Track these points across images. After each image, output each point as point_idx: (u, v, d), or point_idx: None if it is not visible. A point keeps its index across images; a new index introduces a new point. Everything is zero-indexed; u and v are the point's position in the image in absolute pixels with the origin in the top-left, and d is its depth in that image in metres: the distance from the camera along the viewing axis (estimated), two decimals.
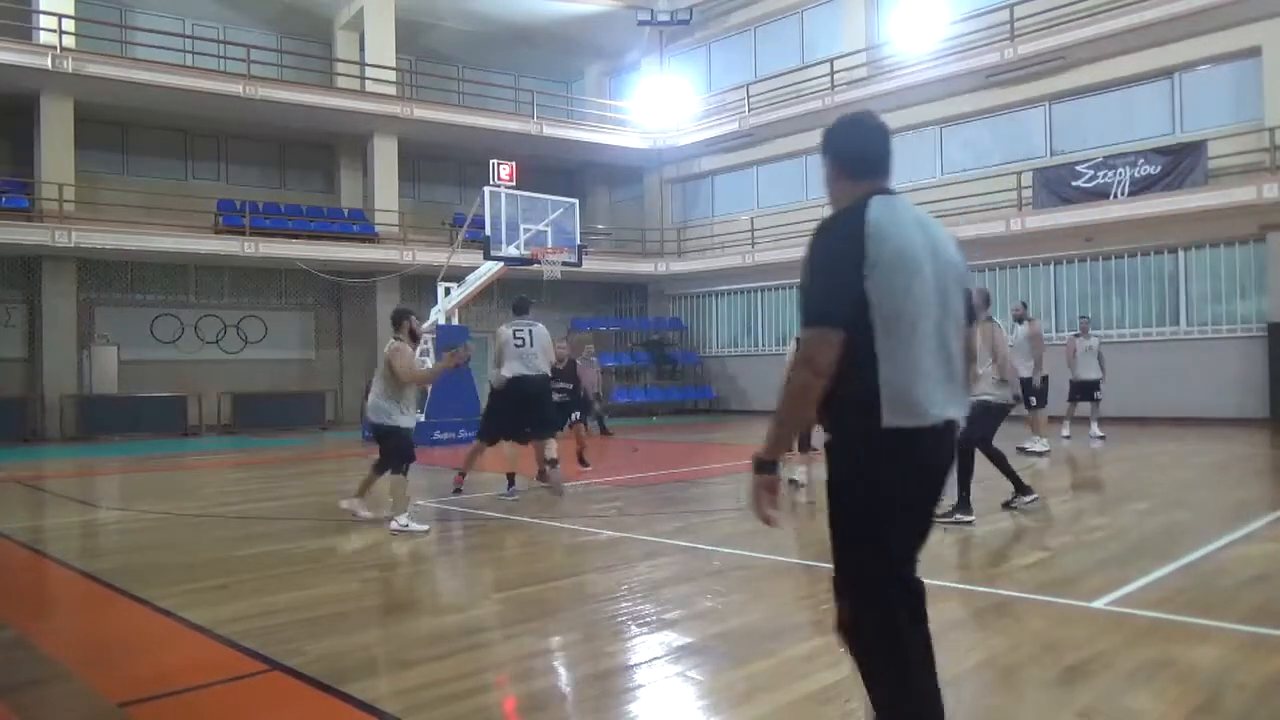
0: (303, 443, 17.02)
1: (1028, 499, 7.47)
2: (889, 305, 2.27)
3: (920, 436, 2.32)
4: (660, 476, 10.76)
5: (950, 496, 6.66)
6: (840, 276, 2.28)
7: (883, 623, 2.40)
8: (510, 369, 8.71)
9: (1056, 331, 18.80)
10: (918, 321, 2.31)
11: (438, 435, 15.95)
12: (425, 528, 7.15)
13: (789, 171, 24.25)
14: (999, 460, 7.52)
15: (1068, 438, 13.38)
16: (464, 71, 26.62)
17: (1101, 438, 13.36)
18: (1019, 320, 11.96)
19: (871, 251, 2.27)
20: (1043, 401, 12.04)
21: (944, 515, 6.70)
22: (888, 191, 2.45)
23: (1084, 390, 13.43)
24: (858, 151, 2.52)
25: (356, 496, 7.84)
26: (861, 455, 2.34)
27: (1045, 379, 12.09)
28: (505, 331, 8.86)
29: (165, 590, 5.27)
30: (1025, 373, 11.18)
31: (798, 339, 2.46)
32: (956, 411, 2.42)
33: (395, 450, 7.35)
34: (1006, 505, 7.47)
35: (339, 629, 4.50)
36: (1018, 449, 10.99)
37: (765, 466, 2.40)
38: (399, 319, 7.66)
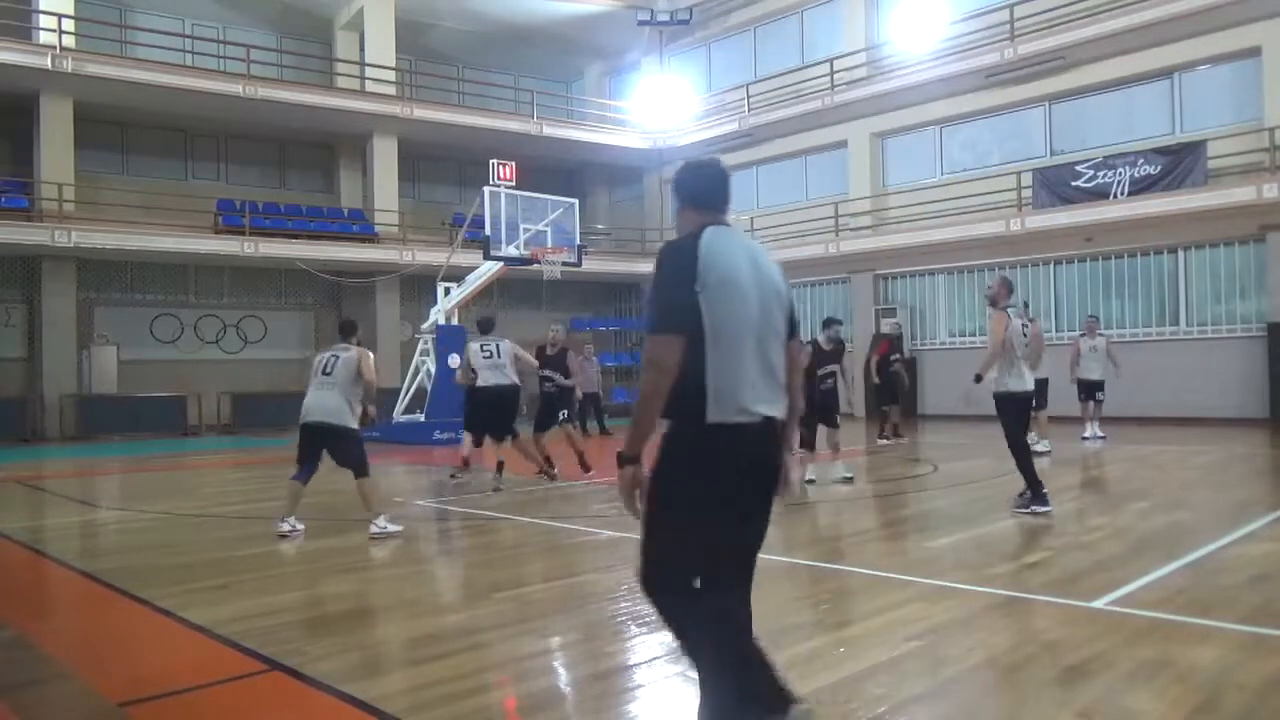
0: None
1: (1041, 509, 7.24)
2: (716, 318, 2.64)
3: (740, 431, 2.65)
4: None
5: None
6: (678, 291, 2.65)
7: (722, 625, 2.67)
8: (484, 378, 9.88)
9: (1057, 331, 18.81)
10: (741, 333, 2.69)
11: (438, 435, 15.97)
12: (400, 527, 7.10)
13: (789, 171, 24.25)
14: (1020, 458, 7.51)
15: (1087, 438, 13.28)
16: (464, 71, 26.62)
17: (1102, 438, 13.34)
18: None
19: (702, 272, 2.65)
20: (1042, 403, 11.90)
21: (1021, 507, 7.36)
22: (723, 224, 2.87)
23: (1087, 390, 13.37)
24: (698, 190, 2.96)
25: (370, 512, 7.20)
26: (688, 446, 2.65)
27: (1045, 380, 11.85)
28: (474, 346, 10.08)
29: (165, 590, 5.27)
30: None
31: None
32: (774, 411, 2.76)
33: (360, 454, 7.20)
34: (1021, 507, 7.42)
35: (339, 629, 4.50)
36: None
37: (629, 461, 2.66)
38: (354, 328, 7.67)
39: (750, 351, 2.71)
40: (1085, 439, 13.30)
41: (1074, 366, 13.42)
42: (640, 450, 2.66)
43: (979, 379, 7.48)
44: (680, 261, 2.69)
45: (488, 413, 9.98)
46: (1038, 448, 11.45)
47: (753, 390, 2.69)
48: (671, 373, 2.60)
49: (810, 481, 9.49)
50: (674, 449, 2.68)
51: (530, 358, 10.54)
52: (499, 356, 9.92)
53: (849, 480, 9.59)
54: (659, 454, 2.71)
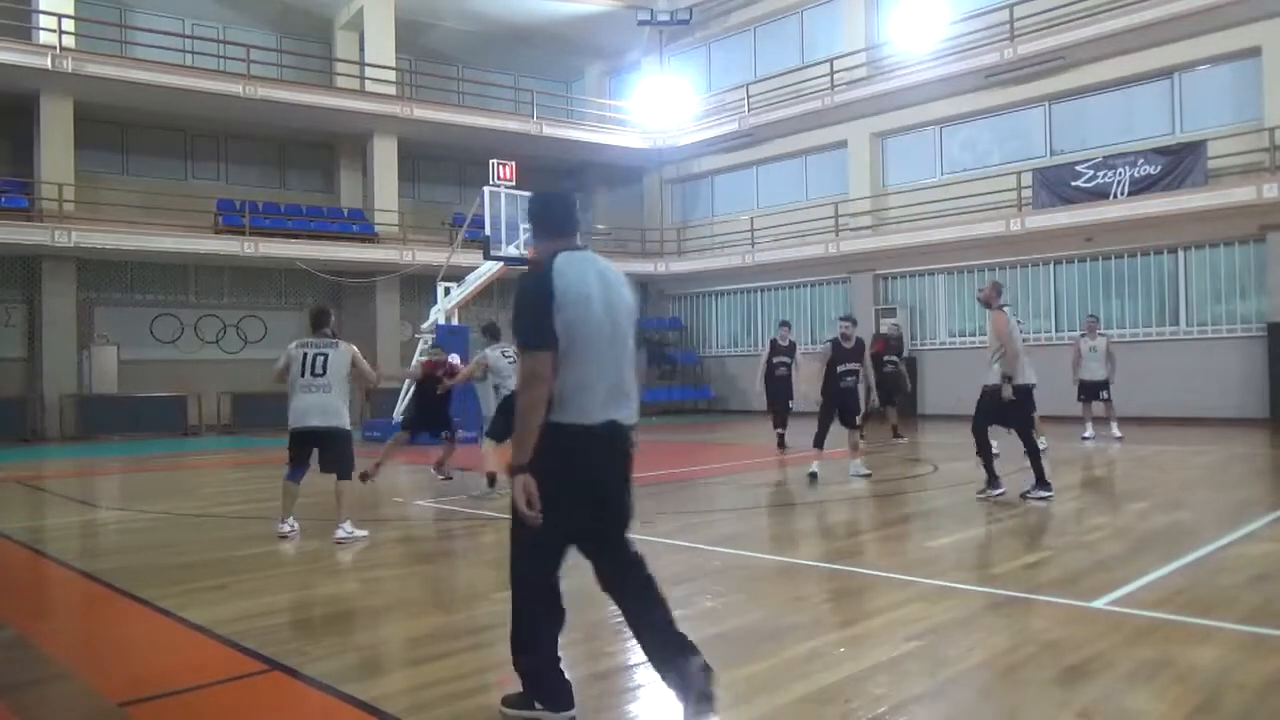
0: None
1: (996, 491, 7.91)
2: (569, 334, 3.00)
3: (586, 432, 3.03)
4: (660, 476, 10.76)
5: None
6: (541, 312, 3.01)
7: (538, 582, 3.16)
8: (510, 385, 9.54)
9: (1057, 331, 18.81)
10: (592, 346, 3.04)
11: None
12: (365, 533, 6.99)
13: (789, 171, 24.25)
14: (982, 448, 7.94)
15: (1087, 438, 13.19)
16: (464, 71, 26.61)
17: (1119, 438, 13.08)
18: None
19: (558, 293, 3.01)
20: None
21: (980, 493, 7.98)
22: (576, 248, 3.20)
23: (1089, 391, 13.25)
24: (550, 220, 3.28)
25: (340, 516, 7.05)
26: (543, 443, 3.00)
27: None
28: (495, 354, 9.77)
29: (165, 590, 5.27)
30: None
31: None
32: (621, 415, 3.11)
33: (351, 455, 7.13)
34: (981, 494, 7.98)
35: (339, 629, 4.50)
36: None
37: (520, 470, 2.97)
38: (327, 317, 7.28)
39: (599, 362, 3.06)
40: (1086, 439, 13.25)
41: (1075, 367, 13.34)
42: (529, 459, 2.97)
43: (1009, 379, 7.74)
44: (539, 286, 3.04)
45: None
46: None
47: (600, 397, 3.05)
48: (549, 383, 2.99)
49: (813, 475, 9.51)
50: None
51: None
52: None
53: (867, 477, 9.63)
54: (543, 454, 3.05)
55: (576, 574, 3.23)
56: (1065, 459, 11.38)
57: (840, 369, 9.72)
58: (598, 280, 3.13)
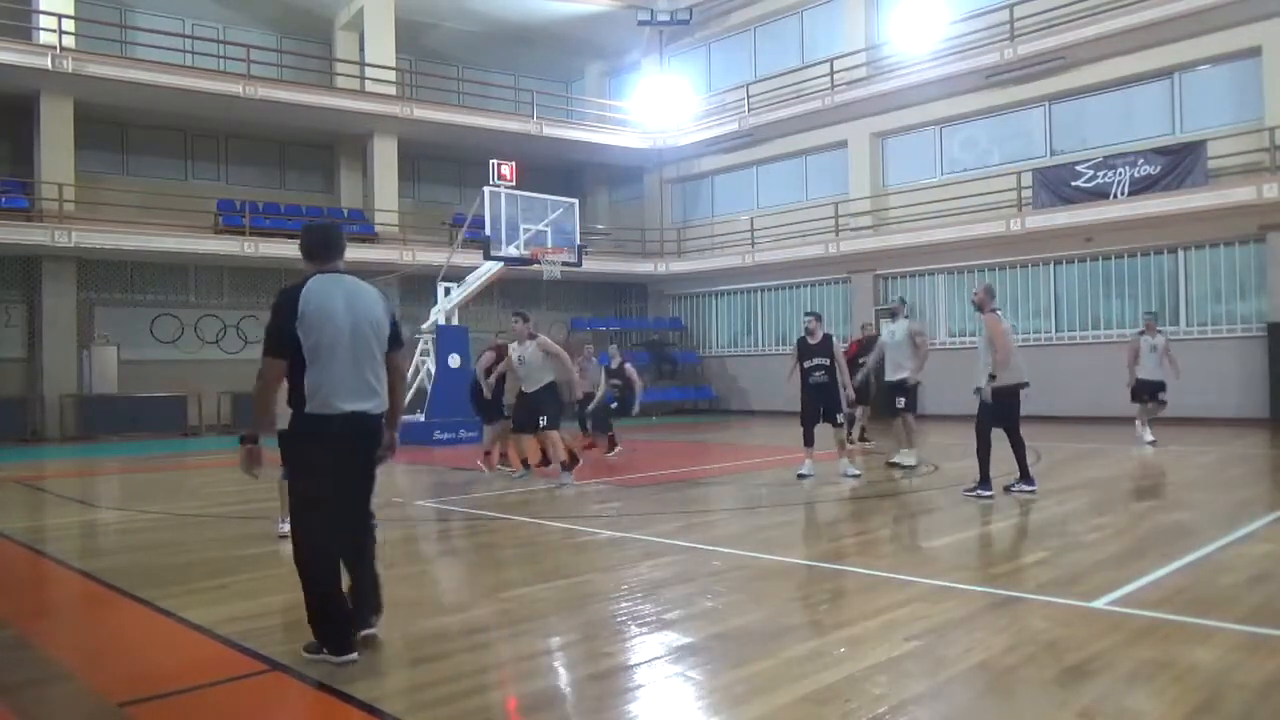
0: None
1: (985, 493, 7.98)
2: (311, 341, 3.77)
3: (329, 420, 3.79)
4: (660, 476, 10.76)
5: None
6: (283, 325, 3.78)
7: (310, 550, 3.85)
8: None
9: (1057, 332, 18.81)
10: (334, 351, 3.80)
11: (438, 435, 15.97)
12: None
13: (789, 171, 24.25)
14: (981, 448, 8.05)
15: (1151, 442, 12.60)
16: (464, 71, 26.61)
17: (1152, 441, 12.67)
18: (893, 317, 11.25)
19: (302, 309, 3.78)
20: (911, 406, 10.80)
21: (968, 489, 8.15)
22: (330, 271, 4.00)
23: (1149, 391, 12.79)
24: (311, 246, 4.07)
25: (282, 513, 7.08)
26: (299, 432, 3.86)
27: (918, 385, 10.98)
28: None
29: (165, 590, 5.27)
30: (905, 373, 10.65)
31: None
32: (363, 406, 3.86)
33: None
34: (969, 491, 8.16)
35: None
36: (886, 463, 10.71)
37: (249, 439, 3.88)
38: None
39: (341, 364, 3.81)
40: (1150, 443, 12.56)
41: (1132, 366, 12.88)
42: (256, 434, 3.87)
43: (994, 378, 7.93)
44: (286, 303, 3.80)
45: (528, 413, 10.36)
46: (905, 461, 10.49)
47: (341, 392, 3.80)
48: (272, 383, 3.84)
49: (802, 477, 9.51)
50: (292, 430, 3.91)
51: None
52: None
53: (856, 477, 9.62)
54: (285, 432, 4.05)
55: (577, 574, 3.23)
56: (1066, 459, 11.37)
57: (806, 365, 9.80)
58: (343, 298, 3.90)
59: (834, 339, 10.13)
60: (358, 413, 3.83)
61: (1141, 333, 13.24)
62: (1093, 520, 7.06)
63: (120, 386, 19.31)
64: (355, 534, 3.99)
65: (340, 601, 3.84)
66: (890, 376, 10.82)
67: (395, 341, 4.08)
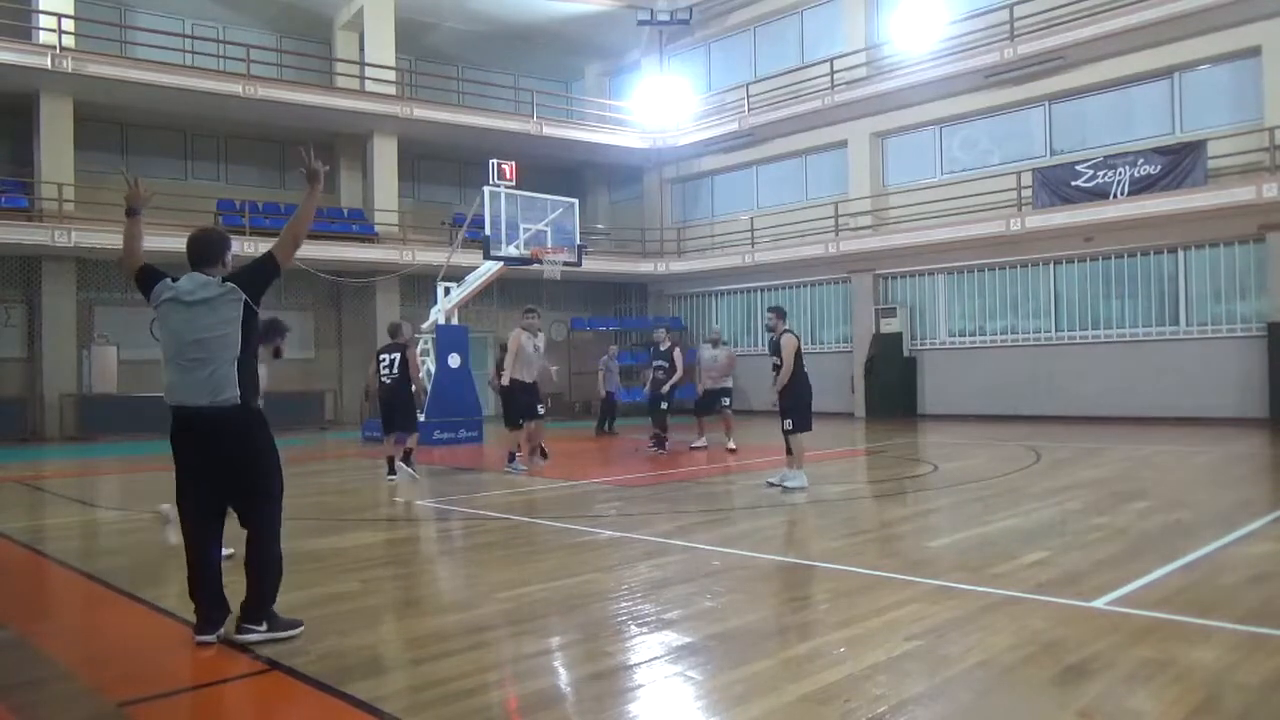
0: (302, 443, 17.02)
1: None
2: (162, 340, 4.41)
3: (176, 412, 4.38)
4: (660, 476, 10.76)
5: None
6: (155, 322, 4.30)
7: (187, 530, 4.35)
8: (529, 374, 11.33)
9: (1057, 332, 18.81)
10: (166, 351, 4.40)
11: (438, 435, 15.96)
12: (231, 549, 6.88)
13: (789, 171, 24.25)
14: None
15: None
16: (464, 71, 26.61)
17: None
18: (714, 344, 14.33)
19: (156, 309, 4.37)
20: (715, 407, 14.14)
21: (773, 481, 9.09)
22: (196, 275, 4.40)
23: None
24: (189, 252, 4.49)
25: None
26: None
27: (729, 389, 14.53)
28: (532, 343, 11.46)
29: (165, 590, 5.27)
30: (727, 383, 14.45)
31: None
32: (194, 401, 4.35)
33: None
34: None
35: (339, 629, 4.49)
36: (690, 446, 13.94)
37: None
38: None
39: (175, 363, 4.41)
40: None
41: None
42: None
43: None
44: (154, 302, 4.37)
45: (530, 400, 11.32)
46: (698, 443, 14.09)
47: (176, 387, 4.40)
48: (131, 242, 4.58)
49: (771, 485, 9.17)
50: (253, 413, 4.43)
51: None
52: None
53: (772, 485, 9.12)
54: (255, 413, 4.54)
55: (577, 574, 3.22)
56: (1065, 459, 11.38)
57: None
58: (178, 301, 4.37)
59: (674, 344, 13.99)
60: (197, 408, 4.34)
61: None
62: (1092, 520, 7.06)
63: (120, 386, 19.31)
64: (214, 524, 4.51)
65: (205, 591, 4.25)
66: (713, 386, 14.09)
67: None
